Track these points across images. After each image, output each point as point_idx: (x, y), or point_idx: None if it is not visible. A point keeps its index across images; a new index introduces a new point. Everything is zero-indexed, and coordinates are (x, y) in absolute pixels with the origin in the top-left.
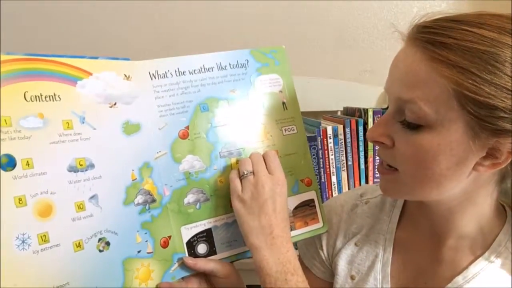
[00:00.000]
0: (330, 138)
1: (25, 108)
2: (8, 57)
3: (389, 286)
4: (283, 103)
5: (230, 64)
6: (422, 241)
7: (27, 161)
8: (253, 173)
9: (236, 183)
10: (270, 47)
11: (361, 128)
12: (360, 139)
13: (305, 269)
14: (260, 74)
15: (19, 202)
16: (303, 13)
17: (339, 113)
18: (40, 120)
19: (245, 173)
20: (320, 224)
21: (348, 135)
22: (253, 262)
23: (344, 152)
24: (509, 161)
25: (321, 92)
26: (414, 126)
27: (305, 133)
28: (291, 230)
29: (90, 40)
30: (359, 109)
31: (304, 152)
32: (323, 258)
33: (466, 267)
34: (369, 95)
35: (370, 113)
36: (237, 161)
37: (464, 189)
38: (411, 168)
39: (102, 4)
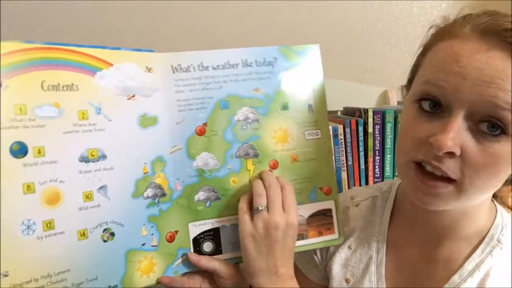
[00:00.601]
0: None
1: (41, 97)
2: (28, 45)
3: (384, 287)
4: (309, 105)
5: (256, 61)
6: (416, 241)
7: (39, 149)
8: (267, 208)
9: (246, 218)
10: (302, 45)
11: (361, 128)
12: (360, 139)
13: (300, 273)
14: (287, 74)
15: (27, 189)
16: (303, 13)
17: (339, 113)
18: (55, 110)
19: (260, 208)
20: (335, 236)
21: (348, 135)
22: None
23: (344, 152)
24: None
25: None
26: (495, 134)
27: (330, 140)
28: (303, 239)
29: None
30: (359, 109)
31: (327, 159)
32: (317, 262)
33: (461, 265)
34: (369, 95)
35: (370, 113)
36: (253, 163)
37: None
38: (480, 177)
39: None
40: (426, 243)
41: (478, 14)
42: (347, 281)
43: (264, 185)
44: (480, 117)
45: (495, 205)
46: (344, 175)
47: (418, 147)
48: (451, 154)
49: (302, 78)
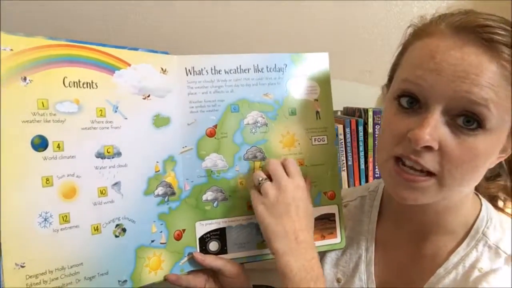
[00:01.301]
0: None
1: (62, 92)
2: (52, 42)
3: (375, 285)
4: (317, 112)
5: (267, 67)
6: (403, 238)
7: (58, 144)
8: (271, 179)
9: (254, 191)
10: (312, 53)
11: (361, 128)
12: (360, 139)
13: None
14: (296, 80)
15: (46, 182)
16: (303, 13)
17: (339, 113)
18: (75, 106)
19: (260, 179)
20: (337, 240)
21: (348, 135)
22: (276, 266)
23: (344, 152)
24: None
25: None
26: (470, 129)
27: (336, 145)
28: None
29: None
30: (359, 109)
31: (332, 164)
32: None
33: (447, 258)
34: (369, 95)
35: (370, 113)
36: (260, 166)
37: None
38: (459, 170)
39: None
40: (413, 239)
41: (453, 12)
42: (338, 280)
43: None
44: (457, 112)
45: (480, 199)
46: (344, 175)
47: (397, 143)
48: (429, 148)
49: (311, 85)
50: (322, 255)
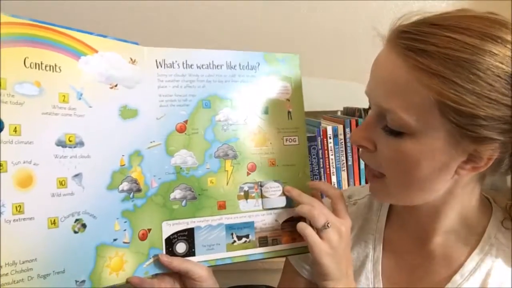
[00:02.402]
0: (330, 138)
1: (22, 73)
2: (13, 19)
3: (381, 284)
4: (289, 112)
5: (240, 64)
6: (410, 239)
7: (15, 128)
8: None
9: (317, 238)
10: (284, 53)
11: None
12: None
13: (293, 271)
14: (269, 80)
15: None
16: (303, 13)
17: (339, 113)
18: (36, 88)
19: (325, 224)
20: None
21: (348, 135)
22: None
23: (344, 152)
24: (488, 166)
25: (321, 92)
26: (396, 133)
27: (306, 146)
28: (277, 244)
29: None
30: (359, 109)
31: (303, 165)
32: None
33: (462, 264)
34: None
35: None
36: (231, 164)
37: (447, 190)
38: (395, 173)
39: None
40: (418, 239)
41: (405, 14)
42: None
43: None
44: (384, 117)
45: (491, 203)
46: (344, 175)
47: None
48: (365, 148)
49: (283, 85)
50: None
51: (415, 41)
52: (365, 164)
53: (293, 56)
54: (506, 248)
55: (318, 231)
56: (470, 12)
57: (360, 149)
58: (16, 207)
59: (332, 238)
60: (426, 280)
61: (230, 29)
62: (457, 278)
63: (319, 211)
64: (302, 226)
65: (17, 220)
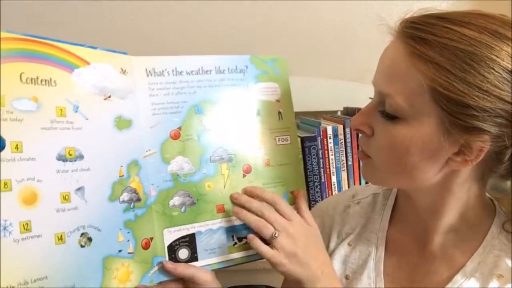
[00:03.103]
0: (330, 138)
1: (19, 89)
2: (8, 35)
3: (383, 284)
4: (279, 112)
5: (228, 69)
6: (413, 239)
7: (17, 145)
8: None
9: (267, 250)
10: (271, 55)
11: None
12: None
13: None
14: (258, 82)
15: (4, 186)
16: (303, 13)
17: (339, 113)
18: (33, 104)
19: (273, 234)
20: None
21: (348, 135)
22: None
23: (344, 152)
24: (479, 159)
25: (321, 92)
26: (391, 117)
27: (299, 145)
28: None
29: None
30: (359, 109)
31: (296, 163)
32: None
33: (464, 264)
34: (369, 95)
35: None
36: (227, 167)
37: (442, 184)
38: (384, 157)
39: None
40: (420, 238)
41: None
42: (346, 277)
43: (256, 213)
44: (384, 103)
45: (494, 205)
46: (344, 175)
47: None
48: (363, 133)
49: (271, 86)
50: (331, 252)
51: (417, 31)
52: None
53: (280, 57)
54: (508, 249)
55: (270, 242)
56: (481, 11)
57: (360, 134)
58: (23, 225)
59: (284, 246)
60: (427, 280)
61: (230, 30)
62: (458, 277)
63: (264, 222)
64: (250, 238)
65: (25, 238)
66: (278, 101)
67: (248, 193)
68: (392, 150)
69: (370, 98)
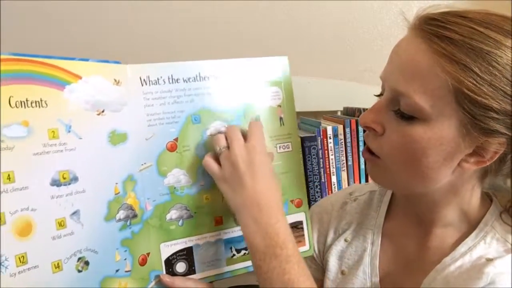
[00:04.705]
0: (330, 138)
1: (9, 115)
2: None
3: (378, 279)
4: (281, 118)
5: (227, 74)
6: (410, 230)
7: (9, 175)
8: (228, 147)
9: (212, 164)
10: (271, 56)
11: (361, 128)
12: (360, 139)
13: None
14: (259, 86)
15: None
16: (303, 13)
17: (339, 113)
18: (24, 129)
19: (219, 149)
20: (306, 247)
21: (348, 135)
22: (244, 239)
23: (344, 152)
24: (493, 160)
25: (321, 92)
26: (408, 117)
27: (300, 152)
28: None
29: (84, 40)
30: (359, 109)
31: (298, 171)
32: (314, 255)
33: (454, 248)
34: (369, 95)
35: None
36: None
37: (448, 183)
38: (398, 158)
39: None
40: (418, 231)
41: (429, 7)
42: (342, 273)
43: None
44: (398, 101)
45: (491, 200)
46: (344, 175)
47: None
48: (373, 131)
49: (273, 90)
50: (328, 247)
51: (441, 28)
52: (366, 147)
53: (281, 58)
54: (500, 236)
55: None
56: (497, 12)
57: (366, 131)
58: (19, 258)
59: (223, 163)
60: (418, 268)
61: (230, 31)
62: (447, 259)
63: (222, 136)
64: (205, 157)
65: (21, 271)
66: (280, 106)
67: None
68: (406, 151)
69: (376, 95)
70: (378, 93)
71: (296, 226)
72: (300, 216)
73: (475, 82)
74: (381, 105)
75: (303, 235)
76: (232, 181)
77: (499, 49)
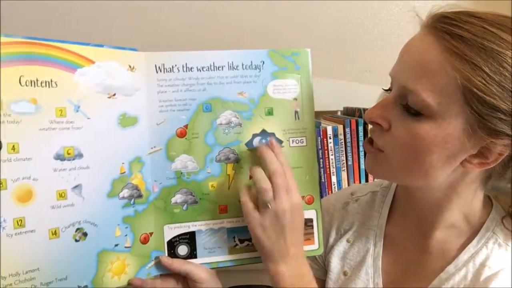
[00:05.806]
0: (330, 138)
1: (18, 92)
2: (7, 39)
3: (381, 280)
4: (296, 112)
5: (242, 65)
6: (411, 234)
7: (13, 146)
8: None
9: (252, 210)
10: (292, 49)
11: (361, 128)
12: (360, 139)
13: None
14: (275, 78)
15: None
16: (303, 13)
17: (339, 113)
18: (32, 106)
19: (268, 202)
20: (315, 246)
21: (348, 135)
22: (269, 276)
23: (344, 152)
24: (497, 162)
25: (321, 92)
26: (415, 113)
27: (315, 147)
28: None
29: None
30: (359, 109)
31: (311, 167)
32: (316, 256)
33: (456, 256)
34: (369, 95)
35: None
36: (233, 168)
37: (450, 184)
38: (402, 153)
39: None
40: (419, 235)
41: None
42: (344, 273)
43: (268, 171)
44: (405, 97)
45: (491, 201)
46: (344, 175)
47: None
48: (379, 126)
49: (290, 83)
50: (330, 248)
51: (453, 26)
52: (368, 140)
53: (303, 51)
54: (503, 242)
55: (259, 205)
56: (507, 14)
57: (371, 127)
58: (17, 221)
59: (266, 214)
60: (421, 273)
61: (230, 29)
62: (450, 268)
63: (270, 187)
64: (243, 194)
65: (18, 233)
66: (295, 99)
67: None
68: (411, 147)
69: (384, 89)
70: (387, 88)
71: (305, 224)
72: (310, 214)
73: (484, 82)
74: (388, 101)
75: (313, 233)
76: (270, 231)
77: (510, 50)
